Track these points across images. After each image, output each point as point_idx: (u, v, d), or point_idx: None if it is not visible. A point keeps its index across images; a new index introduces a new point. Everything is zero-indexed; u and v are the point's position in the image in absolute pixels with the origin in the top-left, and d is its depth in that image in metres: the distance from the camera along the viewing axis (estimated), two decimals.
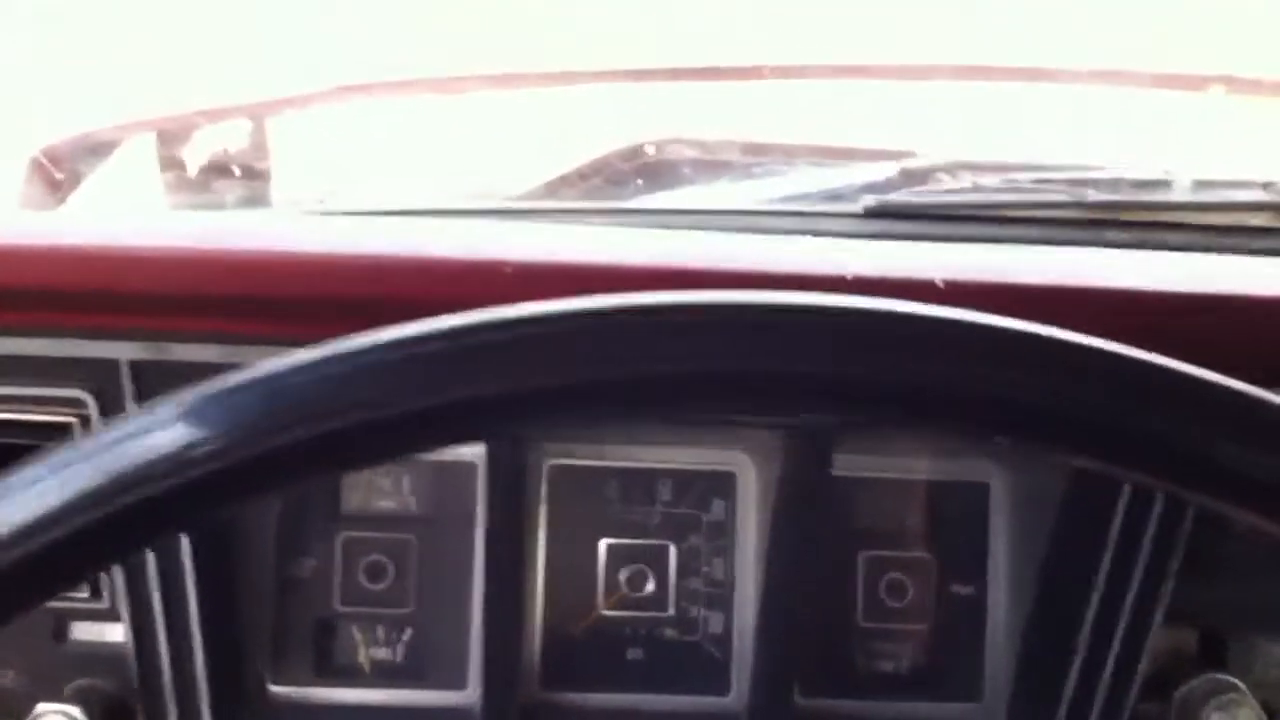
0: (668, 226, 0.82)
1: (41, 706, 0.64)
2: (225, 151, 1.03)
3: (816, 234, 0.76)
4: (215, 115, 1.06)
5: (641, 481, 0.69)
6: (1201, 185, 0.89)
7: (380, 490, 0.69)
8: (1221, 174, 0.92)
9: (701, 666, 0.69)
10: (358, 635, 0.68)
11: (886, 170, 0.95)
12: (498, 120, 1.20)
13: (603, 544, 0.69)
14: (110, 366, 0.63)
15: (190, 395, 0.36)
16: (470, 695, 0.67)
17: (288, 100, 1.05)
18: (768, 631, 0.64)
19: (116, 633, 0.65)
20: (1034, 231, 0.83)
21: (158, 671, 0.64)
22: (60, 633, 0.67)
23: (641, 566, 0.69)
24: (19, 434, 0.65)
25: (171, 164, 1.03)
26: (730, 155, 1.06)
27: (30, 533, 0.35)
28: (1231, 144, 1.12)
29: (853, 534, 0.69)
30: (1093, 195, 0.86)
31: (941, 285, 0.62)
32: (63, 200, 1.02)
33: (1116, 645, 0.65)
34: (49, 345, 0.63)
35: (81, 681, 0.66)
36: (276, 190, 1.04)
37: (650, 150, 1.06)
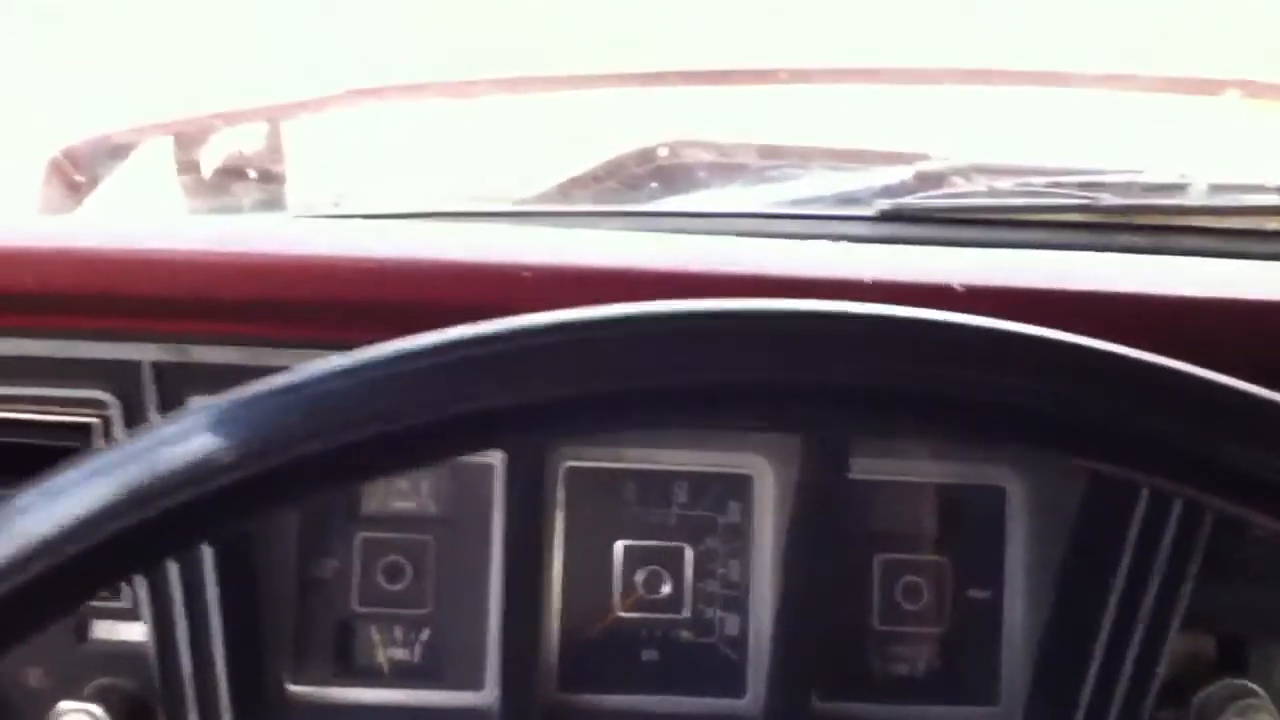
0: (682, 230, 0.83)
1: (63, 705, 0.64)
2: (241, 154, 1.04)
3: (830, 237, 0.76)
4: (231, 118, 1.06)
5: (658, 484, 0.69)
6: (1217, 189, 0.89)
7: (398, 491, 0.69)
8: (1237, 178, 0.92)
9: (717, 669, 0.69)
10: (376, 636, 0.68)
11: (900, 174, 0.95)
12: (510, 123, 1.21)
13: (619, 546, 0.69)
14: (132, 368, 0.64)
15: (211, 407, 0.36)
16: (488, 696, 0.67)
17: (302, 104, 1.06)
18: (784, 634, 0.64)
19: (137, 632, 0.65)
20: (1048, 235, 0.84)
21: (178, 671, 0.64)
22: (82, 632, 0.67)
23: (658, 568, 0.69)
24: (42, 434, 0.66)
25: (188, 167, 1.03)
26: (743, 158, 1.06)
27: (47, 550, 0.35)
28: (1248, 148, 1.12)
29: (869, 537, 0.69)
30: (1107, 199, 0.86)
31: (960, 290, 0.62)
32: (80, 202, 1.03)
33: (1134, 650, 0.65)
34: (72, 347, 0.64)
35: (102, 680, 0.66)
36: (291, 193, 1.05)
37: (663, 152, 1.06)
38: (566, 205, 1.01)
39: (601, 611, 0.69)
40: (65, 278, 0.64)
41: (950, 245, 0.78)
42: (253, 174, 1.02)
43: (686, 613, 0.69)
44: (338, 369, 0.37)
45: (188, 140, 1.02)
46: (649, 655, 0.69)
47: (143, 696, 0.66)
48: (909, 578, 0.69)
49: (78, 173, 0.99)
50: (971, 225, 0.84)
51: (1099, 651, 0.65)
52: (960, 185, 0.93)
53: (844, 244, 0.73)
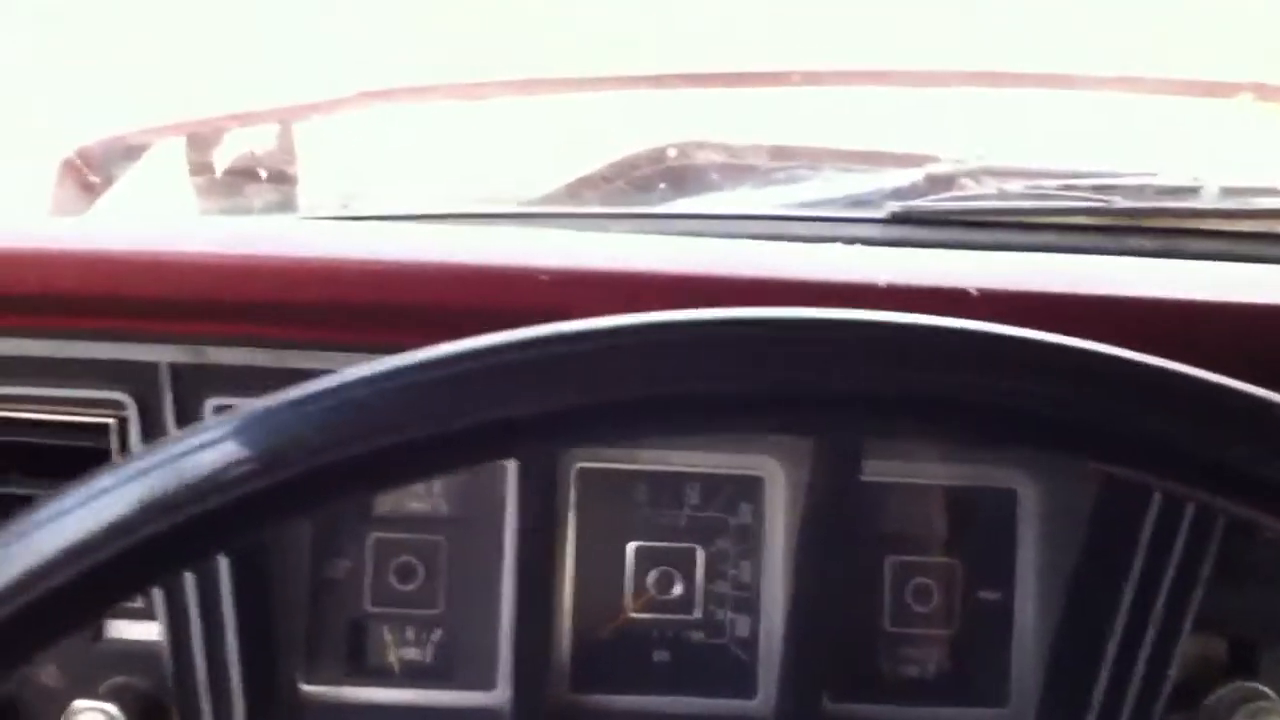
0: (692, 232, 0.83)
1: (78, 704, 0.65)
2: (253, 155, 1.04)
3: (842, 240, 0.76)
4: (243, 120, 1.07)
5: (670, 485, 0.69)
6: (1229, 192, 0.89)
7: (411, 492, 0.69)
8: (1250, 180, 0.92)
9: (728, 670, 0.69)
10: (388, 636, 0.69)
11: (910, 176, 0.96)
12: (519, 124, 1.21)
13: (631, 547, 0.69)
14: (149, 369, 0.64)
15: (230, 418, 0.36)
16: (499, 696, 0.68)
17: (315, 105, 1.06)
18: (795, 635, 0.65)
19: (152, 631, 0.66)
20: (1060, 238, 0.84)
21: (192, 670, 0.65)
22: (97, 631, 0.67)
23: (669, 569, 0.69)
24: (59, 434, 0.66)
25: (200, 168, 1.03)
26: (752, 159, 1.07)
27: (66, 561, 0.35)
28: (1261, 150, 1.12)
29: (880, 539, 0.69)
30: (1119, 202, 0.86)
31: (975, 294, 0.62)
32: (92, 203, 1.03)
33: (1146, 652, 0.65)
34: (89, 348, 0.64)
35: (117, 679, 0.67)
36: (303, 194, 1.05)
37: (672, 153, 1.06)
38: (576, 206, 1.01)
39: (613, 612, 0.69)
40: (81, 280, 0.64)
41: (962, 248, 0.78)
42: (264, 175, 1.03)
43: (698, 614, 0.69)
44: (362, 377, 0.37)
45: (200, 141, 1.03)
46: (660, 656, 0.69)
47: (157, 695, 0.66)
48: (920, 580, 0.69)
49: (91, 173, 1.00)
50: (982, 228, 0.84)
51: (1110, 654, 0.65)
52: (970, 188, 0.93)
53: (856, 247, 0.73)
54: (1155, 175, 0.93)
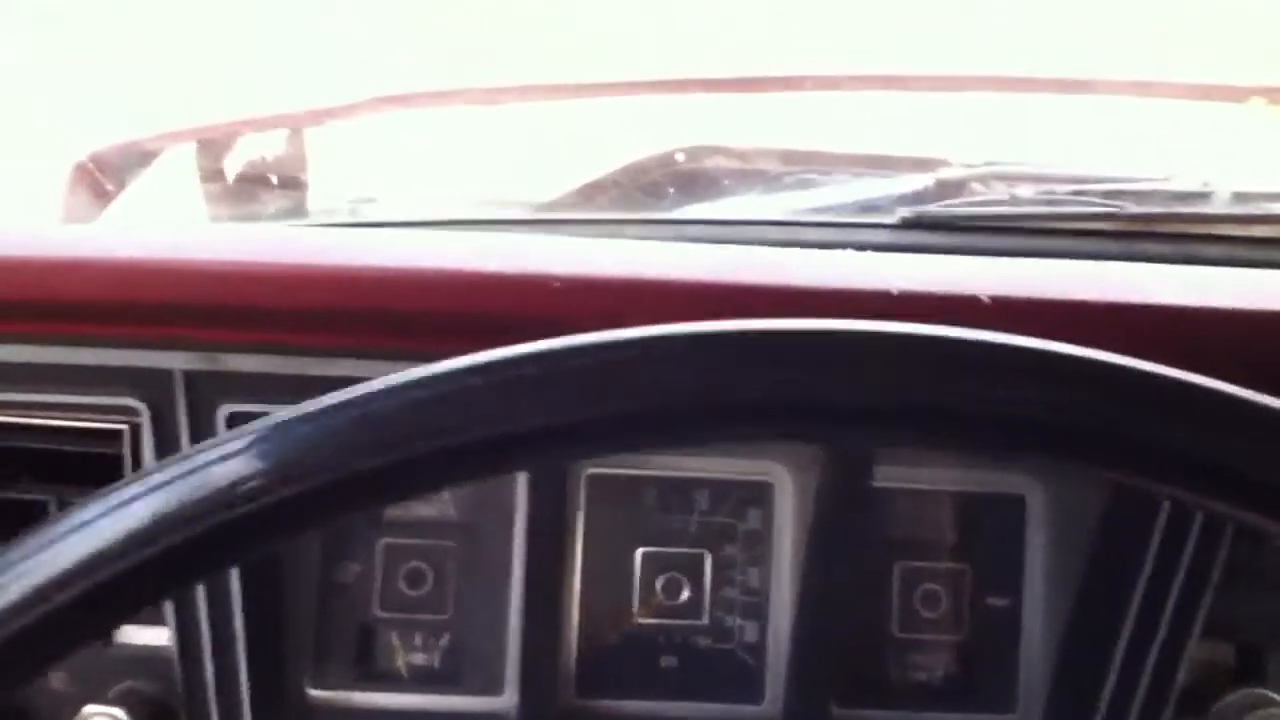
0: (703, 238, 0.83)
1: (89, 709, 0.65)
2: (264, 161, 1.05)
3: (853, 246, 0.76)
4: (255, 125, 1.07)
5: (678, 490, 0.70)
6: (1241, 197, 0.89)
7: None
8: (1262, 185, 0.91)
9: (736, 675, 0.69)
10: (397, 641, 0.69)
11: (922, 181, 0.95)
12: (529, 128, 1.21)
13: (639, 552, 0.69)
14: (164, 376, 0.64)
15: (248, 431, 0.37)
16: (507, 701, 0.68)
17: (329, 110, 1.06)
18: (803, 640, 0.65)
19: (161, 636, 0.66)
20: (1071, 243, 0.83)
21: (201, 675, 0.65)
22: (107, 636, 0.68)
23: (677, 575, 0.69)
24: (72, 441, 0.66)
25: (212, 174, 1.04)
26: (761, 163, 1.07)
27: (85, 571, 0.36)
28: (1272, 154, 1.12)
29: (888, 544, 0.69)
30: (1131, 207, 0.86)
31: (987, 302, 0.62)
32: (103, 208, 1.03)
33: (1153, 658, 0.65)
34: (102, 355, 0.64)
35: (126, 684, 0.67)
36: (313, 200, 1.05)
37: (682, 158, 1.06)
38: (586, 211, 1.01)
39: (621, 617, 0.69)
40: (94, 286, 0.64)
41: (973, 253, 0.78)
42: (275, 181, 1.03)
43: (705, 619, 0.69)
44: (377, 391, 0.37)
45: (211, 147, 1.03)
46: (668, 661, 0.69)
47: (166, 700, 0.67)
48: (928, 585, 0.69)
49: (104, 179, 1.00)
50: (994, 233, 0.84)
51: (1118, 659, 0.65)
52: (981, 193, 0.93)
53: (868, 253, 0.73)
54: (1167, 180, 0.93)
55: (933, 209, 0.86)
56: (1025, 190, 0.91)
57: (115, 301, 0.64)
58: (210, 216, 1.03)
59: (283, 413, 0.37)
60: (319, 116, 1.07)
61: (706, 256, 0.71)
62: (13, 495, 0.67)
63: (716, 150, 1.08)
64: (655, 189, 1.04)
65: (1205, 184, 0.91)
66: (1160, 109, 1.14)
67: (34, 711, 0.67)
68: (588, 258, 0.68)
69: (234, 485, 0.36)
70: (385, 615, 0.69)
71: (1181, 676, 0.65)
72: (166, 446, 0.65)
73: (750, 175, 1.05)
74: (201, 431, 0.64)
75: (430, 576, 0.68)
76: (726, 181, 1.04)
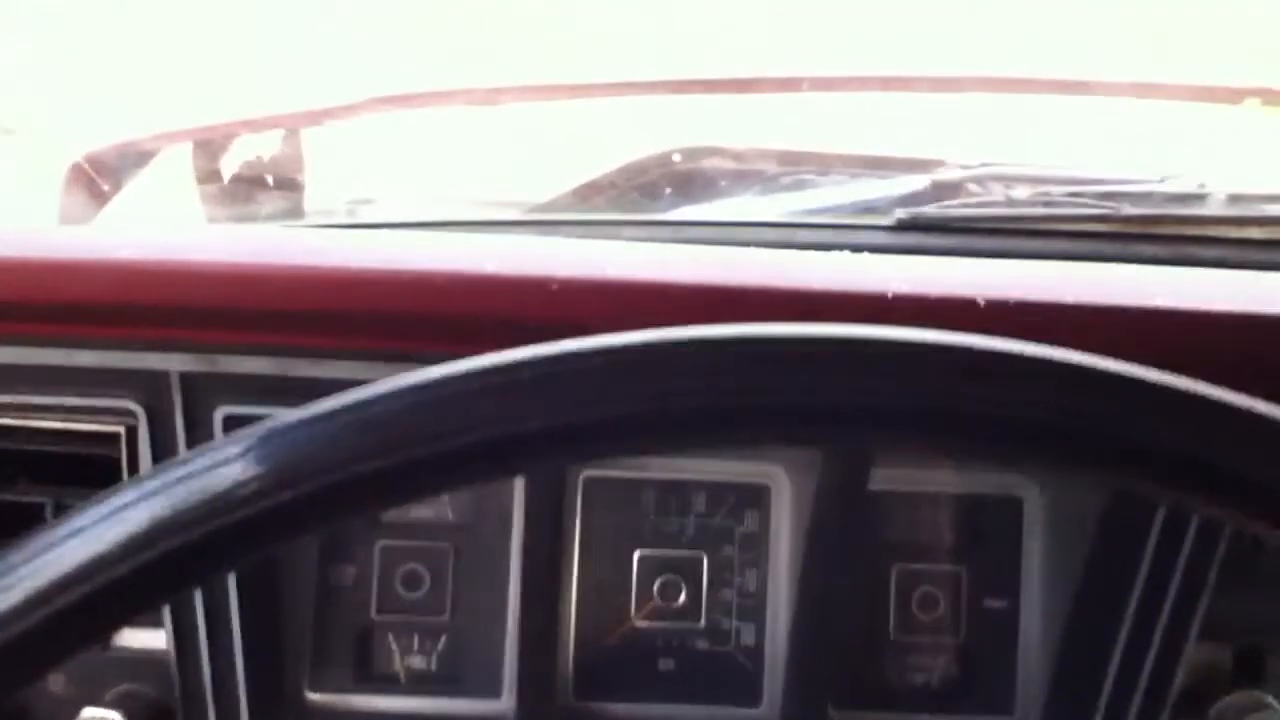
0: (700, 239, 0.83)
1: (87, 712, 0.65)
2: (260, 162, 1.05)
3: (849, 247, 0.76)
4: (252, 126, 1.07)
5: (676, 493, 0.70)
6: (1237, 199, 0.89)
7: None
8: (1257, 187, 0.91)
9: (733, 677, 0.69)
10: (394, 644, 0.69)
11: (918, 182, 0.96)
12: (526, 128, 1.21)
13: (636, 554, 0.69)
14: (160, 378, 0.64)
15: (245, 436, 0.37)
16: (505, 704, 0.68)
17: (327, 111, 1.06)
18: (800, 643, 0.65)
19: (159, 640, 0.66)
20: (1067, 245, 0.84)
21: (199, 678, 0.65)
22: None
23: (674, 577, 0.69)
24: (68, 443, 0.66)
25: (208, 175, 1.04)
26: (759, 164, 1.07)
27: (85, 575, 0.36)
28: (1267, 156, 1.12)
29: (886, 547, 0.69)
30: (1126, 209, 0.86)
31: (983, 304, 0.62)
32: (99, 209, 1.03)
33: (1151, 660, 0.65)
34: (99, 357, 0.64)
35: (124, 687, 0.67)
36: (310, 201, 1.05)
37: (678, 158, 1.06)
38: (583, 212, 1.01)
39: (618, 620, 0.69)
40: (90, 288, 0.64)
41: (968, 254, 0.78)
42: (272, 182, 1.03)
43: (703, 622, 0.69)
44: (376, 395, 0.37)
45: (208, 147, 1.03)
46: (665, 664, 0.69)
47: (163, 703, 0.67)
48: (926, 588, 0.69)
49: (101, 179, 1.00)
50: (990, 234, 0.84)
51: (1116, 662, 0.65)
52: (978, 194, 0.93)
53: (864, 254, 0.73)
54: (1162, 182, 0.93)
55: (929, 210, 0.86)
56: (1021, 192, 0.91)
57: (111, 303, 0.64)
58: (207, 217, 1.03)
59: (281, 416, 0.37)
60: (316, 117, 1.07)
61: (703, 258, 0.71)
62: (10, 497, 0.67)
63: (713, 151, 1.08)
64: (652, 190, 1.04)
65: (1201, 186, 0.91)
66: (1156, 110, 1.14)
67: (33, 714, 0.67)
68: (585, 259, 0.68)
69: (232, 489, 0.36)
70: (383, 618, 0.69)
71: (1179, 678, 0.65)
72: (163, 449, 0.65)
73: (747, 176, 1.05)
74: (198, 434, 0.64)
75: (428, 579, 0.68)
76: (723, 182, 1.04)
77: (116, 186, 1.04)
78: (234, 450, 0.37)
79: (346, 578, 0.68)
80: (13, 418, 0.66)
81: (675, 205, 1.01)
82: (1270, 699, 0.68)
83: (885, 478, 0.67)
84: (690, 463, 0.69)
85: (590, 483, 0.69)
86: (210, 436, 0.64)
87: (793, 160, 1.07)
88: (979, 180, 0.95)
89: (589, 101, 1.17)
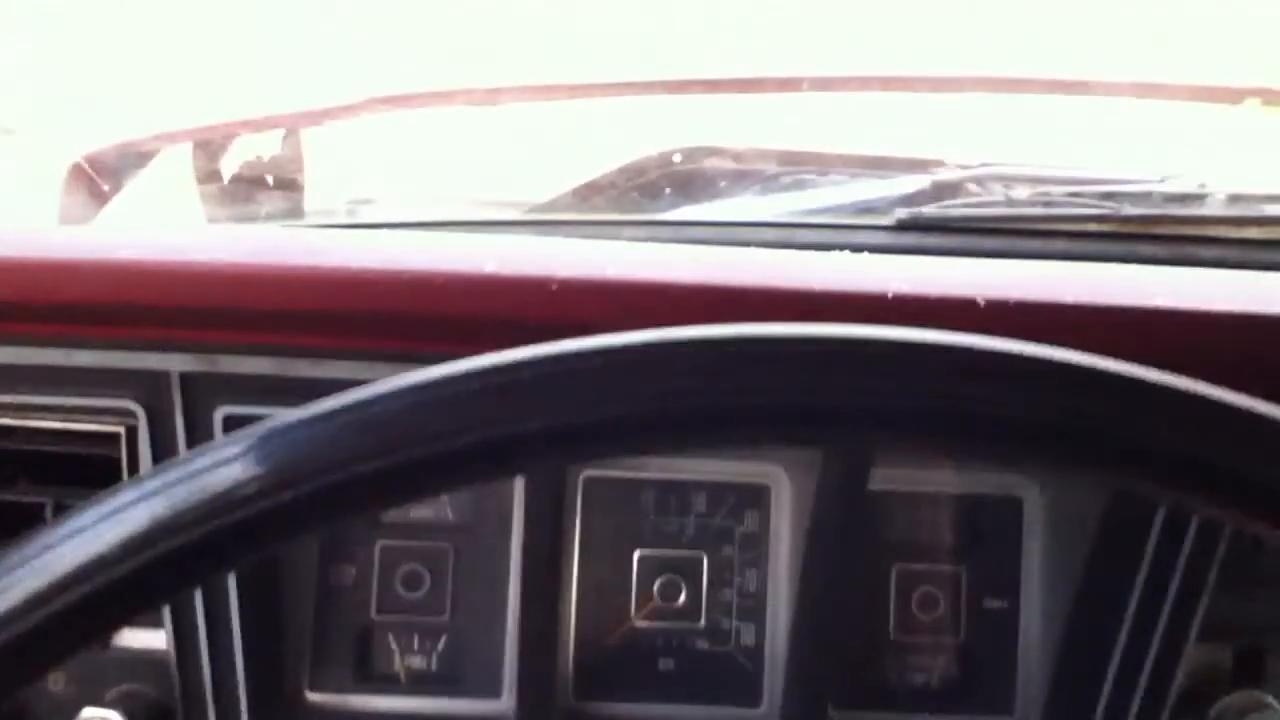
0: (699, 240, 0.83)
1: (87, 712, 0.65)
2: (260, 162, 1.04)
3: (849, 247, 0.76)
4: (252, 126, 1.07)
5: (675, 493, 0.70)
6: (1236, 199, 0.89)
7: None
8: (1257, 187, 0.91)
9: (733, 677, 0.69)
10: (394, 644, 0.69)
11: (918, 182, 0.95)
12: (526, 127, 1.21)
13: (636, 554, 0.69)
14: (161, 378, 0.64)
15: (245, 436, 0.37)
16: (505, 704, 0.68)
17: (326, 111, 1.06)
18: (801, 643, 0.65)
19: (159, 639, 0.66)
20: (1066, 245, 0.84)
21: (199, 678, 0.65)
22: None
23: (674, 577, 0.69)
24: (68, 443, 0.66)
25: (208, 175, 1.04)
26: (759, 164, 1.06)
27: (85, 575, 0.36)
28: (1267, 155, 1.12)
29: (886, 547, 0.69)
30: (1126, 208, 0.86)
31: (983, 304, 0.62)
32: (99, 209, 1.03)
33: (1151, 660, 0.65)
34: (99, 357, 0.64)
35: (124, 687, 0.67)
36: (309, 201, 1.05)
37: (677, 159, 1.06)
38: (583, 212, 1.01)
39: (618, 620, 0.69)
40: (90, 288, 0.64)
41: (968, 254, 0.78)
42: (271, 182, 1.03)
43: (703, 622, 0.69)
44: (376, 395, 0.37)
45: (208, 148, 1.03)
46: (665, 664, 0.69)
47: (163, 703, 0.67)
48: (926, 588, 0.69)
49: (100, 180, 1.00)
50: (989, 234, 0.84)
51: (1116, 662, 0.65)
52: (977, 193, 0.93)
53: (864, 254, 0.73)
54: (1162, 182, 0.93)
55: (929, 210, 0.86)
56: (1021, 191, 0.91)
57: (111, 303, 0.64)
58: (207, 217, 1.03)
59: (281, 416, 0.37)
60: (316, 117, 1.07)
61: (702, 259, 0.71)
62: (10, 498, 0.67)
63: (713, 151, 1.08)
64: (652, 190, 1.04)
65: (1201, 186, 0.91)
66: (1156, 110, 1.14)
67: (33, 714, 0.67)
68: (585, 259, 0.68)
69: (232, 489, 0.36)
70: (383, 618, 0.69)
71: (1179, 679, 0.65)
72: (163, 449, 0.65)
73: (747, 176, 1.05)
74: (198, 434, 0.64)
75: (428, 579, 0.68)
76: (723, 182, 1.04)
77: (116, 186, 1.04)
78: (234, 450, 0.37)
79: (346, 578, 0.68)
80: (13, 418, 0.67)
81: (675, 205, 1.01)
82: (1270, 699, 0.68)
83: (885, 478, 0.67)
84: (690, 463, 0.69)
85: (590, 483, 0.69)
86: (210, 436, 0.64)
87: (793, 160, 1.07)
88: (979, 180, 0.95)
89: (589, 101, 1.17)
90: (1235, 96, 1.07)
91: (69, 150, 1.04)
